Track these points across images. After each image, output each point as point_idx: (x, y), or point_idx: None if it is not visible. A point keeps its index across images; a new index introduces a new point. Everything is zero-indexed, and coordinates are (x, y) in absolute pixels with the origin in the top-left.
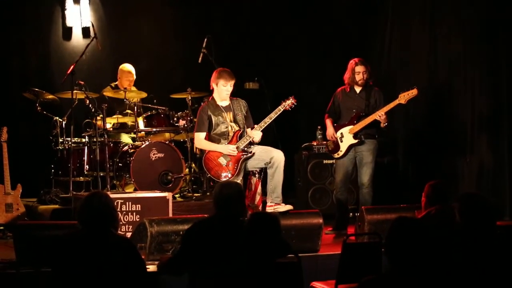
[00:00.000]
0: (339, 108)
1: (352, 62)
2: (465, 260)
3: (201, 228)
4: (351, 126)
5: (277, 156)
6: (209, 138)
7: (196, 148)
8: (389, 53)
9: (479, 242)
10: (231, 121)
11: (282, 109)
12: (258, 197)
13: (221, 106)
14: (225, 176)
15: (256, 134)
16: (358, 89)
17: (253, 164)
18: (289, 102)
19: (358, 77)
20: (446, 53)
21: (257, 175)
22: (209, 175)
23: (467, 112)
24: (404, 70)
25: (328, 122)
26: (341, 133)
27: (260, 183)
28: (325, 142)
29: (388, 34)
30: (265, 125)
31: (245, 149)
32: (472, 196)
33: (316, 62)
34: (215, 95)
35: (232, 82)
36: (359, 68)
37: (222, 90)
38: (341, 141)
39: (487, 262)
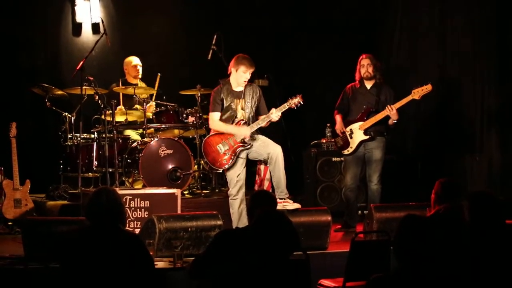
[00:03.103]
0: (348, 104)
1: (360, 56)
2: (474, 258)
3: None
4: (361, 122)
5: (274, 151)
6: None
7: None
8: (398, 50)
9: (488, 241)
10: (241, 109)
11: (287, 106)
12: (267, 183)
13: (235, 91)
14: (220, 163)
15: (275, 116)
16: (368, 86)
17: (253, 156)
18: (295, 101)
19: (363, 70)
20: (455, 50)
21: (263, 161)
22: (205, 159)
23: (477, 109)
24: (413, 66)
25: (338, 118)
26: (351, 129)
27: (268, 169)
28: (334, 140)
29: (398, 30)
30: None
31: (245, 140)
32: (481, 194)
33: (325, 59)
34: (231, 79)
35: (252, 70)
36: (364, 62)
37: (241, 76)
38: (351, 138)
39: (496, 261)
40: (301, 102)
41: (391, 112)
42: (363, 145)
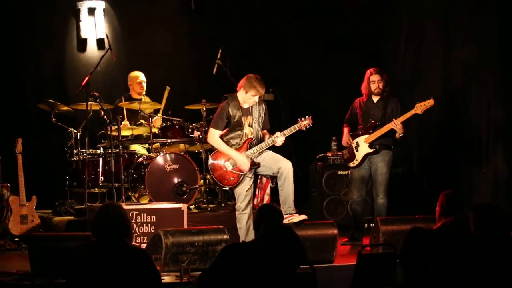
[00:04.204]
0: (356, 118)
1: (368, 72)
2: (479, 270)
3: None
4: (367, 135)
5: (285, 167)
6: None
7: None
8: (403, 62)
9: (494, 253)
10: (249, 125)
11: (297, 128)
12: (267, 197)
13: (243, 107)
14: (228, 181)
15: (279, 140)
16: (375, 99)
17: (261, 170)
18: (305, 123)
19: (374, 87)
20: (460, 61)
21: (271, 176)
22: (211, 175)
23: (482, 120)
24: (418, 78)
25: (345, 130)
26: (357, 142)
27: (269, 183)
28: (340, 153)
29: (403, 42)
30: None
31: (253, 159)
32: (486, 206)
33: (331, 72)
34: (239, 95)
35: (262, 93)
36: (374, 77)
37: (249, 98)
38: (357, 150)
39: (501, 273)
40: (310, 125)
41: (396, 126)
42: (369, 159)
